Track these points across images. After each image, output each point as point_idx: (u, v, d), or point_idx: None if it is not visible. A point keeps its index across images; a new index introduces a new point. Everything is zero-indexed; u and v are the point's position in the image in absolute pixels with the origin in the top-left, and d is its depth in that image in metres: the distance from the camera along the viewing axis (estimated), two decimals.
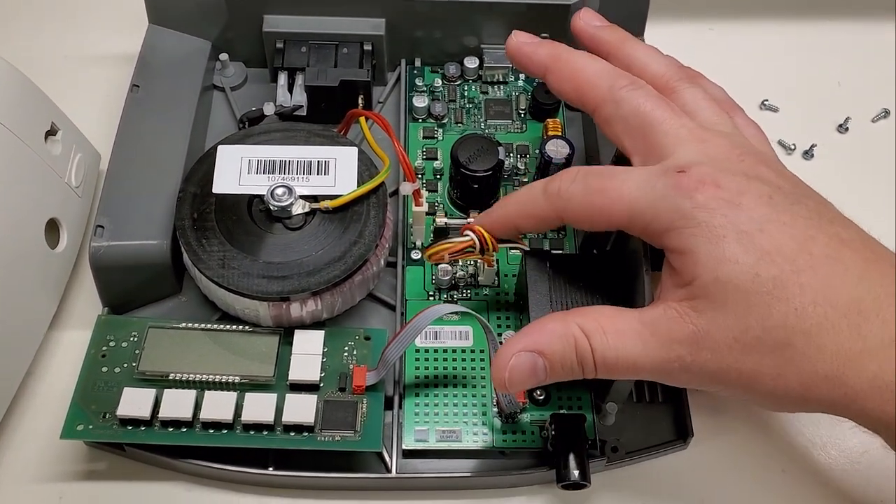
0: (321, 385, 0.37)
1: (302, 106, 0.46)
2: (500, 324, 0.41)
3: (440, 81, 0.49)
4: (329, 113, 0.45)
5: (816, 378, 0.30)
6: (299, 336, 0.38)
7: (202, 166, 0.41)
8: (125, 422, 0.36)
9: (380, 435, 0.36)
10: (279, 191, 0.39)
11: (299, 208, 0.39)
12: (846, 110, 0.52)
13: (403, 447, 0.37)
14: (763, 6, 0.57)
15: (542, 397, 0.38)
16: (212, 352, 0.38)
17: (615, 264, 0.37)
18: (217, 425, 0.36)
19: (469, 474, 0.38)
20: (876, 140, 0.51)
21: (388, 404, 0.38)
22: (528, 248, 0.39)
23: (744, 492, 0.39)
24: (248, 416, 0.36)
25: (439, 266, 0.41)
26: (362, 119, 0.42)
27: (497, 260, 0.42)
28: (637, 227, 0.33)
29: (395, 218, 0.43)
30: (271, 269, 0.38)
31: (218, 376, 0.37)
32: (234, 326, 0.39)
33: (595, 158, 0.44)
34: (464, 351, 0.40)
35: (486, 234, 0.37)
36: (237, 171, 0.40)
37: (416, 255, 0.43)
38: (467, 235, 0.37)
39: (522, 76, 0.49)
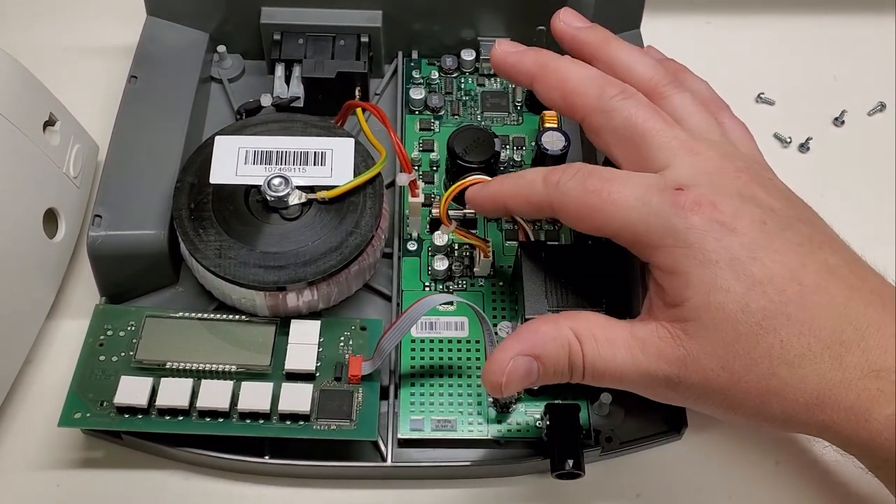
0: (317, 374, 0.37)
1: (299, 97, 0.46)
2: (495, 314, 0.41)
3: (437, 73, 0.49)
4: (326, 104, 0.45)
5: (797, 406, 0.31)
6: (296, 326, 0.38)
7: (199, 157, 0.41)
8: (122, 410, 0.36)
9: (375, 424, 0.36)
10: (276, 181, 0.39)
11: (296, 199, 0.39)
12: (842, 104, 0.52)
13: (399, 436, 0.37)
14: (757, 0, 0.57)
15: (536, 387, 0.38)
16: (208, 341, 0.38)
17: (610, 255, 0.37)
18: (213, 414, 0.36)
19: (464, 463, 0.38)
20: (872, 134, 0.51)
21: (384, 394, 0.38)
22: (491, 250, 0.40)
23: (737, 483, 0.39)
24: (244, 404, 0.36)
25: (435, 256, 0.42)
26: (359, 110, 0.42)
27: (493, 251, 0.42)
28: (626, 238, 0.33)
29: (391, 209, 0.43)
30: (268, 258, 0.38)
31: (215, 365, 0.37)
32: (231, 316, 0.39)
33: (591, 150, 0.44)
34: (459, 341, 0.40)
35: None
36: (234, 161, 0.40)
37: (412, 245, 0.43)
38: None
39: None
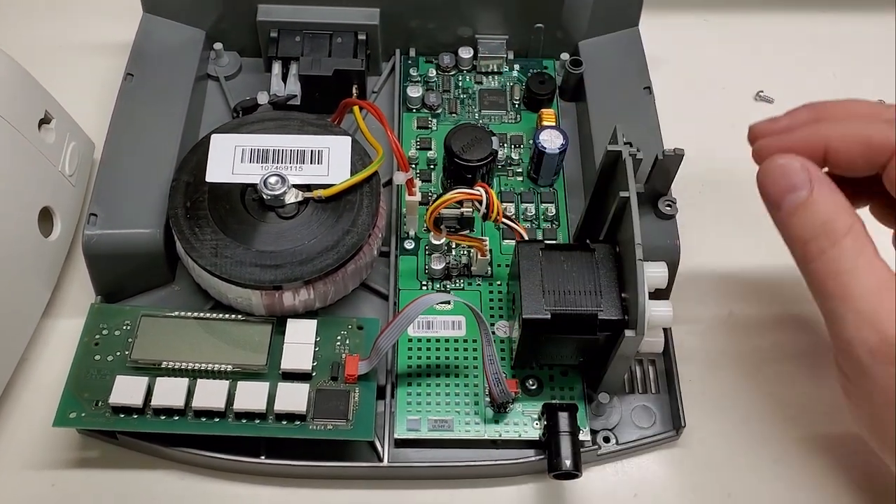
0: (313, 374, 0.37)
1: (296, 95, 0.46)
2: (492, 314, 0.41)
3: (434, 71, 0.49)
4: (323, 102, 0.45)
5: None
6: (292, 325, 0.38)
7: (195, 155, 0.41)
8: (117, 410, 0.36)
9: (372, 424, 0.36)
10: (272, 180, 0.39)
11: (292, 197, 0.39)
12: None
13: (395, 436, 0.37)
14: None
15: (534, 387, 0.38)
16: (204, 340, 0.38)
17: (607, 253, 0.37)
18: (209, 414, 0.36)
19: (461, 464, 0.38)
20: None
21: (381, 393, 0.38)
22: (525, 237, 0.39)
23: (736, 482, 0.39)
24: (240, 404, 0.36)
25: (432, 255, 0.41)
26: (356, 108, 0.42)
27: (490, 250, 0.42)
28: None
29: (388, 207, 0.43)
30: (264, 257, 0.38)
31: (210, 365, 0.37)
32: (227, 315, 0.39)
33: (589, 149, 0.44)
34: (456, 341, 0.40)
35: (494, 197, 0.38)
36: (231, 160, 0.40)
37: (409, 244, 0.43)
38: (478, 191, 0.38)
39: (517, 66, 0.49)
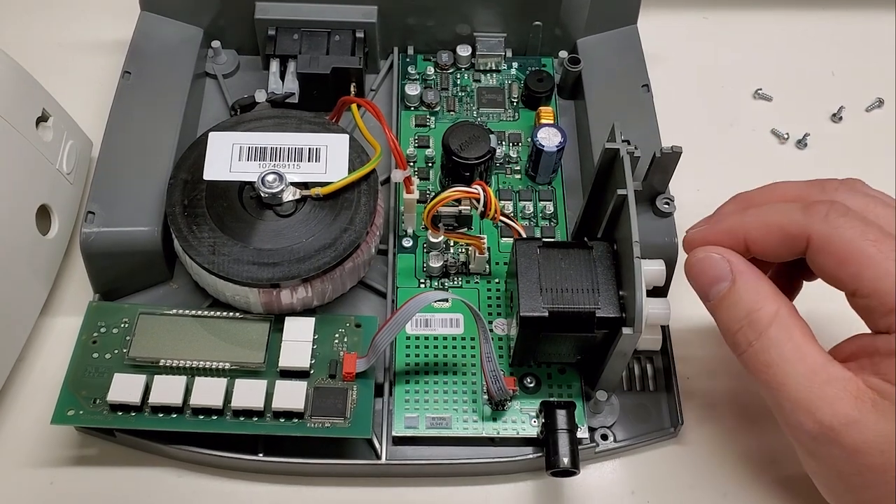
0: (311, 372, 0.37)
1: (294, 93, 0.46)
2: (490, 311, 0.41)
3: (432, 69, 0.49)
4: (321, 100, 0.45)
5: None
6: (290, 323, 0.38)
7: (193, 153, 0.41)
8: (115, 407, 0.36)
9: (369, 421, 0.36)
10: (270, 177, 0.39)
11: (290, 195, 0.39)
12: (840, 99, 0.52)
13: (393, 434, 0.37)
14: None
15: (532, 385, 0.38)
16: (202, 338, 0.38)
17: (605, 251, 0.37)
18: (207, 411, 0.36)
19: (459, 461, 0.38)
20: (869, 129, 0.51)
21: (379, 391, 0.38)
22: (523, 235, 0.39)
23: (732, 481, 0.39)
24: (238, 402, 0.36)
25: (430, 253, 0.41)
26: (354, 106, 0.42)
27: (488, 248, 0.42)
28: (878, 303, 0.31)
29: (386, 206, 0.43)
30: (262, 255, 0.38)
31: (208, 363, 0.37)
32: (225, 313, 0.39)
33: (587, 147, 0.44)
34: (454, 338, 0.40)
35: (492, 195, 0.38)
36: (228, 157, 0.40)
37: (407, 242, 0.43)
38: (475, 189, 0.38)
39: (515, 64, 0.49)
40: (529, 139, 0.44)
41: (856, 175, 0.48)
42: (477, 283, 0.42)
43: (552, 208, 0.44)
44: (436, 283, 0.42)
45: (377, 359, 0.37)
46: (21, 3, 0.55)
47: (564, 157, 0.44)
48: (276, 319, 0.39)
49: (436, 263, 0.41)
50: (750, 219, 0.34)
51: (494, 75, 0.49)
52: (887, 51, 0.54)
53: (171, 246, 0.41)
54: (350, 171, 0.40)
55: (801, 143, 0.50)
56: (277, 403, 0.36)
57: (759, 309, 0.32)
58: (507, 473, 0.38)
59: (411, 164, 0.45)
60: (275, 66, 0.47)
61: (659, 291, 0.37)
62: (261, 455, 0.37)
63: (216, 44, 0.48)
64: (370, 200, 0.40)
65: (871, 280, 0.31)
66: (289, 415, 0.36)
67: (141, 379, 0.36)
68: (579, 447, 0.36)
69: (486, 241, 0.41)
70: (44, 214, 0.41)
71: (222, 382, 0.36)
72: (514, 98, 0.48)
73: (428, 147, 0.46)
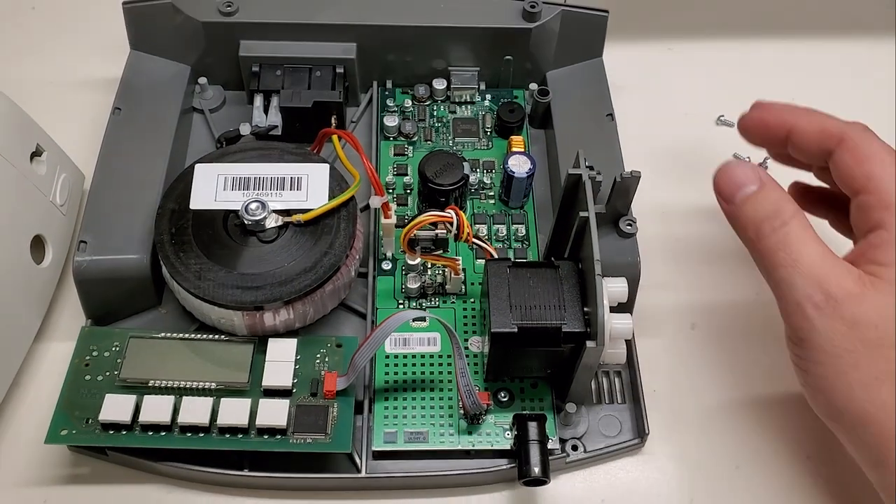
0: (294, 390, 0.39)
1: (277, 126, 0.48)
2: (465, 330, 0.43)
3: (410, 102, 0.51)
4: (303, 132, 0.47)
5: None
6: (273, 344, 0.40)
7: (180, 184, 0.43)
8: (107, 426, 0.37)
9: (349, 437, 0.38)
10: (253, 205, 0.40)
11: (272, 222, 0.41)
12: None
13: (373, 448, 0.39)
14: (718, 27, 0.59)
15: (506, 399, 0.40)
16: (190, 360, 0.40)
17: (571, 270, 0.39)
18: (194, 429, 0.38)
19: (436, 474, 0.39)
20: None
21: (359, 408, 0.40)
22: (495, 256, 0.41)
23: (700, 488, 0.40)
24: (223, 419, 0.38)
25: (408, 275, 0.43)
26: (335, 137, 0.44)
27: (464, 269, 0.44)
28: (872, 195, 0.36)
29: (366, 231, 0.45)
30: (246, 279, 0.40)
31: (195, 383, 0.39)
32: (211, 336, 0.41)
33: (556, 173, 0.46)
34: (431, 356, 0.41)
35: (464, 219, 0.40)
36: (214, 187, 0.42)
37: (386, 265, 0.44)
38: (448, 213, 0.40)
39: (489, 96, 0.52)
40: (502, 166, 0.46)
41: None
42: (453, 303, 0.44)
43: (524, 231, 0.46)
44: (414, 304, 0.43)
45: (357, 376, 0.39)
46: (15, 44, 0.56)
47: (535, 182, 0.46)
48: (259, 341, 0.40)
49: (413, 285, 0.43)
50: (800, 112, 0.40)
51: (469, 107, 0.51)
52: (845, 78, 0.57)
53: (159, 273, 0.42)
54: (330, 198, 0.42)
55: (763, 167, 0.52)
56: (261, 421, 0.38)
57: (785, 207, 0.37)
58: (483, 484, 0.40)
59: (390, 191, 0.47)
60: (259, 100, 0.48)
61: (623, 308, 0.39)
62: (246, 470, 0.38)
63: (203, 80, 0.50)
64: (349, 226, 0.42)
65: (878, 179, 0.36)
66: (272, 431, 0.38)
67: (131, 399, 0.38)
68: (550, 457, 0.38)
69: (461, 262, 0.43)
70: (38, 244, 0.43)
71: (209, 401, 0.38)
72: (488, 128, 0.50)
73: (406, 175, 0.48)
